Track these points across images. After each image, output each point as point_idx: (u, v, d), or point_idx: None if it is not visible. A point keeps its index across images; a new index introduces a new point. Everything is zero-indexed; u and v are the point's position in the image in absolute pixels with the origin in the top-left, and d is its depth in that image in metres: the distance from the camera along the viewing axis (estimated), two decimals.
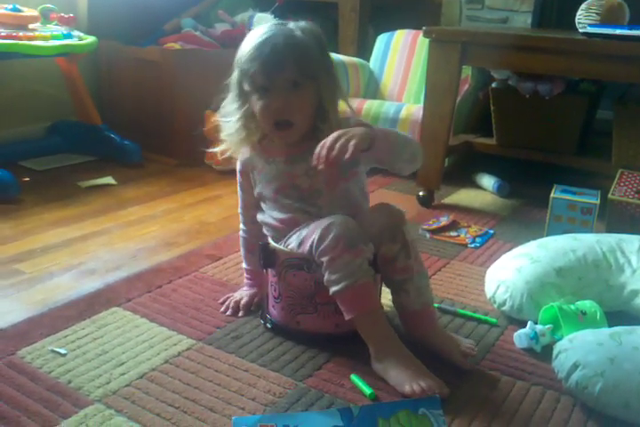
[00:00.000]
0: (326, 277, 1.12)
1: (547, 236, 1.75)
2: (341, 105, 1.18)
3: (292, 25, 1.13)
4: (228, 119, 1.20)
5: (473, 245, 1.76)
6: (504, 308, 1.33)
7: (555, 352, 1.12)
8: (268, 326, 1.27)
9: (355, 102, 2.36)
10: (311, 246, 1.13)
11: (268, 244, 1.23)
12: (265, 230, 1.28)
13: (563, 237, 1.46)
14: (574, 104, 1.95)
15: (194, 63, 2.40)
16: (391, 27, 2.78)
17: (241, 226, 1.35)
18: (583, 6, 2.01)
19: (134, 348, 1.18)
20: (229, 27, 2.60)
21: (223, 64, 1.20)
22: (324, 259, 1.11)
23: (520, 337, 1.24)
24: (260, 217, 1.28)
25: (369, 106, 2.33)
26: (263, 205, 1.26)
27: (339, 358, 1.16)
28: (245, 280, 1.38)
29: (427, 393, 1.03)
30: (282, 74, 1.10)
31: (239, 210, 1.34)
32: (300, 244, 1.16)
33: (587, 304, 1.26)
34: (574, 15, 2.01)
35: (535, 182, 2.22)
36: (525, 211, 2.08)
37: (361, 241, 1.12)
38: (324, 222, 1.13)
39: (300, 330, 1.23)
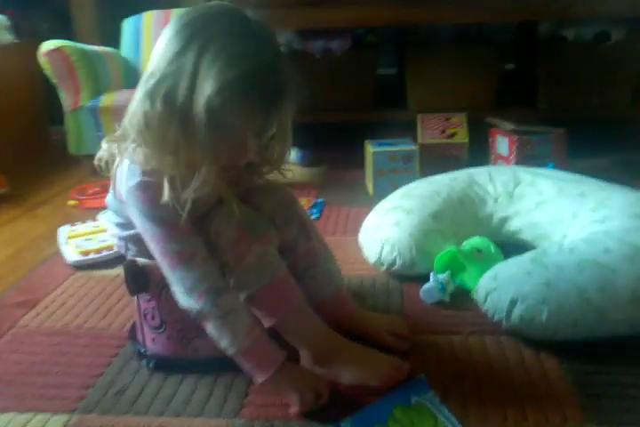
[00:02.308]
0: (234, 280, 0.89)
1: (374, 192, 1.73)
2: None
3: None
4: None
5: (314, 217, 1.64)
6: (395, 267, 1.23)
7: (481, 295, 1.05)
8: (151, 366, 0.98)
9: (125, 94, 2.05)
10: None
11: (135, 261, 0.94)
12: (130, 247, 0.97)
13: (417, 183, 1.42)
14: (365, 57, 1.92)
15: None
16: (121, 11, 2.49)
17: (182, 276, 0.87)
18: None
19: None
20: None
21: None
22: (229, 257, 0.88)
23: (429, 292, 1.15)
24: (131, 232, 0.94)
25: None
26: None
27: None
28: (254, 364, 0.88)
29: (399, 378, 0.89)
30: (269, 124, 0.84)
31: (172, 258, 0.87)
32: None
33: (477, 241, 1.23)
34: None
35: (332, 145, 2.18)
36: (338, 175, 2.01)
37: (265, 226, 0.91)
38: (214, 216, 0.89)
39: (197, 359, 0.97)
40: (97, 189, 1.88)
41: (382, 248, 1.24)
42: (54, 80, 2.05)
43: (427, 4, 1.72)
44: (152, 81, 0.80)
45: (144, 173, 0.84)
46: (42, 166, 2.27)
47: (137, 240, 0.91)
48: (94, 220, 1.59)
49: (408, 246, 1.22)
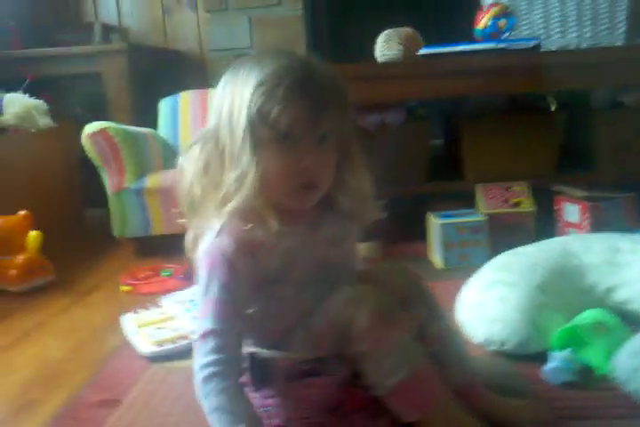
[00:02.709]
0: (370, 371, 0.80)
1: (445, 266, 1.66)
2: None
3: (306, 58, 0.83)
4: (227, 188, 0.80)
5: None
6: (506, 346, 1.14)
7: (623, 374, 0.95)
8: None
9: (170, 174, 2.02)
10: (337, 333, 0.79)
11: (256, 352, 0.85)
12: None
13: (505, 256, 1.34)
14: (420, 130, 1.91)
15: None
16: (155, 91, 2.52)
17: (211, 357, 0.78)
18: (382, 38, 2.01)
19: None
20: None
21: None
22: (364, 345, 0.79)
23: (554, 372, 1.05)
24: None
25: None
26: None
27: None
28: None
29: None
30: (321, 122, 0.79)
31: (213, 324, 0.79)
32: (316, 337, 0.82)
33: (596, 314, 1.14)
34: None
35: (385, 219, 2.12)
36: (397, 248, 1.93)
37: (397, 310, 0.83)
38: (341, 298, 0.81)
39: None
40: (148, 272, 1.79)
41: (491, 326, 1.15)
42: (97, 162, 2.01)
43: (477, 76, 1.72)
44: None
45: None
46: (82, 252, 2.19)
47: None
48: (157, 306, 1.50)
49: (521, 324, 1.13)
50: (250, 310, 0.83)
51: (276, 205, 0.81)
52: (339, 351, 0.81)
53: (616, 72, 1.72)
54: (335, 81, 0.82)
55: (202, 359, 0.78)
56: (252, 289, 0.82)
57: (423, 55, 1.76)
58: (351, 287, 0.84)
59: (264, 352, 0.85)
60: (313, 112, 0.77)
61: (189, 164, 0.83)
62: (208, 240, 0.82)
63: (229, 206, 0.79)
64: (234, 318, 0.80)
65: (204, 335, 0.79)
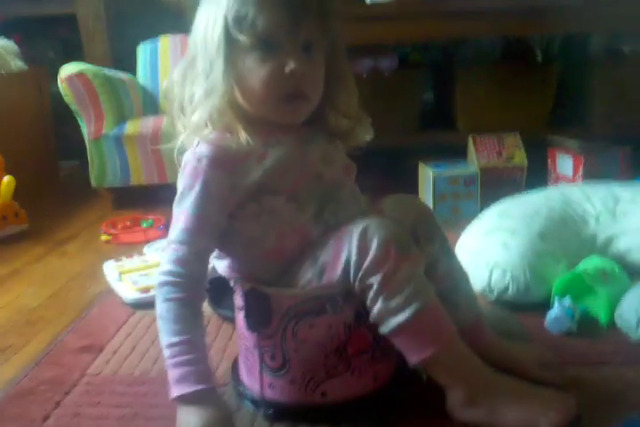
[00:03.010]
0: (379, 306, 0.75)
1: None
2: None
3: None
4: (197, 98, 0.78)
5: None
6: (507, 294, 1.11)
7: (631, 322, 0.93)
8: (270, 414, 0.83)
9: (150, 121, 1.93)
10: (347, 266, 0.75)
11: (256, 289, 0.79)
12: (230, 271, 0.83)
13: (508, 202, 1.30)
14: (414, 77, 1.83)
15: None
16: (132, 37, 2.39)
17: (171, 266, 0.77)
18: None
19: None
20: None
21: None
22: (375, 278, 0.74)
23: (558, 320, 1.02)
24: (221, 240, 0.81)
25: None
26: (239, 218, 0.80)
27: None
28: (180, 372, 0.73)
29: (570, 417, 0.75)
30: (301, 27, 0.75)
31: (178, 236, 0.77)
32: (323, 271, 0.77)
33: (598, 262, 1.11)
34: None
35: (374, 171, 2.06)
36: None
37: (412, 243, 0.78)
38: (352, 229, 0.76)
39: (327, 404, 0.82)
40: (128, 223, 1.72)
41: (491, 272, 1.11)
42: (74, 106, 1.90)
43: (473, 18, 1.66)
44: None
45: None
46: (56, 202, 2.10)
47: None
48: (140, 254, 1.44)
49: (522, 270, 1.09)
50: (236, 224, 0.80)
51: (263, 121, 0.79)
52: (346, 287, 0.76)
53: (617, 16, 1.66)
54: None
55: (163, 266, 0.78)
56: (234, 202, 0.79)
57: None
58: (362, 217, 0.79)
59: (264, 288, 0.79)
60: (292, 15, 0.74)
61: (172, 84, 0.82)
62: (188, 151, 0.80)
63: (195, 117, 0.77)
64: (200, 231, 0.77)
65: (169, 244, 0.78)
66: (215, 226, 0.78)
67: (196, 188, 0.77)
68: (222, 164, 0.77)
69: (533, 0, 1.66)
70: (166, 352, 0.74)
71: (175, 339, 0.74)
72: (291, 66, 0.74)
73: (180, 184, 0.79)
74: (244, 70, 0.76)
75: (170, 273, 0.76)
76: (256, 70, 0.75)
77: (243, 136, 0.76)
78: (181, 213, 0.78)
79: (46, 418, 0.85)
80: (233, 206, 0.79)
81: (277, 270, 0.81)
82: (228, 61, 0.75)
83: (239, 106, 0.78)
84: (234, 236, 0.80)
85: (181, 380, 0.73)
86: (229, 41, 0.75)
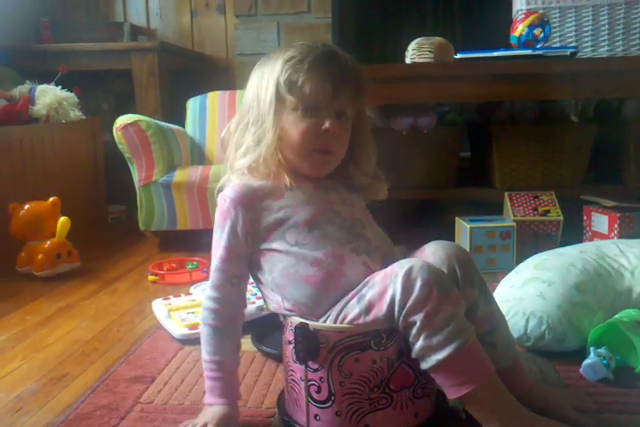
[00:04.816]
0: (421, 343, 0.80)
1: None
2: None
3: (329, 44, 0.94)
4: (247, 146, 0.92)
5: None
6: (543, 342, 1.14)
7: None
8: None
9: (198, 170, 2.04)
10: (391, 304, 0.81)
11: (305, 323, 0.85)
12: (280, 308, 0.90)
13: (544, 255, 1.35)
14: (451, 135, 1.92)
15: None
16: (182, 92, 2.56)
17: (210, 291, 0.92)
18: (413, 46, 2.04)
19: None
20: (5, 102, 2.07)
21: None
22: (418, 316, 0.79)
23: (594, 369, 1.05)
24: (265, 277, 0.92)
25: (216, 170, 2.02)
26: (273, 254, 0.90)
27: None
28: (209, 384, 0.91)
29: None
30: (341, 96, 0.90)
31: (215, 265, 0.92)
32: (369, 309, 0.82)
33: (634, 314, 1.14)
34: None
35: (411, 225, 2.13)
36: None
37: (453, 285, 0.83)
38: (397, 270, 0.82)
39: None
40: (173, 265, 1.80)
41: (528, 322, 1.15)
42: (127, 154, 2.03)
43: (509, 81, 1.74)
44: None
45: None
46: (106, 243, 2.20)
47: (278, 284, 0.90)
48: (187, 294, 1.50)
49: (558, 319, 1.13)
50: (275, 257, 0.90)
51: (293, 170, 0.92)
52: (390, 324, 0.82)
53: None
54: (354, 64, 0.92)
55: (206, 291, 0.93)
56: (260, 236, 0.90)
57: (459, 59, 1.79)
58: (408, 259, 0.85)
59: (313, 324, 0.85)
60: (332, 84, 0.88)
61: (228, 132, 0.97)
62: (221, 192, 0.94)
63: (245, 160, 0.91)
64: (230, 261, 0.91)
65: (211, 272, 0.92)
66: (243, 256, 0.91)
67: (224, 224, 0.91)
68: (242, 202, 0.90)
69: (568, 65, 1.74)
70: (203, 364, 0.92)
71: (208, 357, 0.91)
72: (326, 125, 0.88)
73: (214, 222, 0.93)
74: (287, 124, 0.90)
75: (209, 298, 0.92)
76: (297, 124, 0.89)
77: (286, 180, 0.90)
78: (216, 246, 0.92)
79: None
80: (260, 240, 0.90)
81: (323, 301, 0.87)
82: (276, 116, 0.89)
83: (280, 155, 0.91)
84: (274, 267, 0.90)
85: (210, 390, 0.91)
86: (279, 99, 0.89)
